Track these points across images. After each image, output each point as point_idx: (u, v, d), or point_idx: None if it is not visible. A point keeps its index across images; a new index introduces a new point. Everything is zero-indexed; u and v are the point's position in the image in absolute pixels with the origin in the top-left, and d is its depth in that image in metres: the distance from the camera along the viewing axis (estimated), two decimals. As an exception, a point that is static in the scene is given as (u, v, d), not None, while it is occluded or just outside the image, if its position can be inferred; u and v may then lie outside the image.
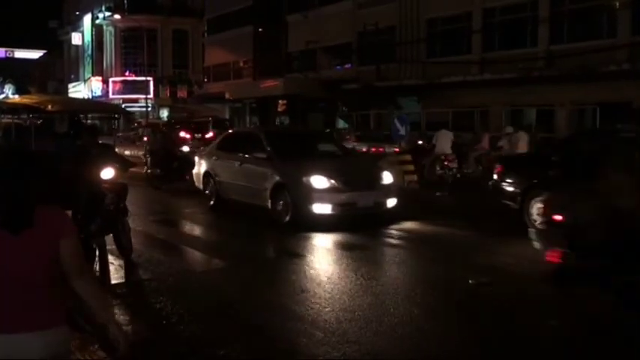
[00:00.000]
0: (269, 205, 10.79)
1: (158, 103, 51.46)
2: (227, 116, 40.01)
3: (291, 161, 10.96)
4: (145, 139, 26.85)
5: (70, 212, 6.55)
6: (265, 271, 7.81)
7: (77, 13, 58.83)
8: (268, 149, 11.22)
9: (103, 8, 52.93)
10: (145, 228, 10.35)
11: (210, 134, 27.61)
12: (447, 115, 23.96)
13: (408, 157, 16.11)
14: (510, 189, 10.41)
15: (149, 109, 47.91)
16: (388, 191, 11.00)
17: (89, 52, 56.81)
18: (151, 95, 49.45)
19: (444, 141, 16.87)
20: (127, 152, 24.51)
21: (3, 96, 58.93)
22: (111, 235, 7.86)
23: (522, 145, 16.05)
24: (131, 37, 52.16)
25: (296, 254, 8.58)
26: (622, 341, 5.19)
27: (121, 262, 7.85)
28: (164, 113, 50.72)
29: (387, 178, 11.19)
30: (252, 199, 11.44)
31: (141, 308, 6.20)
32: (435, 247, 9.26)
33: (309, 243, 9.36)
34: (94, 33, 55.58)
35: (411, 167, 15.79)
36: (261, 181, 11.00)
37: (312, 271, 7.63)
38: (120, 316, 5.75)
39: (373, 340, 5.19)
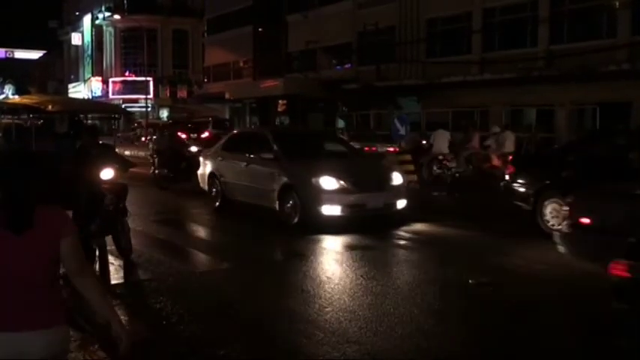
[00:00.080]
0: (277, 206, 10.61)
1: (158, 104, 51.51)
2: (227, 116, 40.05)
3: (299, 162, 10.81)
4: (143, 139, 26.87)
5: (70, 212, 6.55)
6: (267, 272, 7.79)
7: (77, 13, 58.90)
8: (275, 149, 11.04)
9: (103, 8, 52.99)
10: (147, 228, 10.34)
11: (205, 134, 27.58)
12: (447, 115, 23.96)
13: (408, 157, 16.12)
14: (522, 190, 10.17)
15: (149, 109, 47.94)
16: (398, 192, 10.79)
17: (89, 52, 56.87)
18: (151, 95, 49.50)
19: (441, 141, 16.88)
20: (127, 152, 24.52)
21: (3, 96, 58.98)
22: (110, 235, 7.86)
23: (509, 145, 16.37)
24: (131, 37, 52.21)
25: (300, 255, 8.48)
26: (622, 341, 5.19)
27: (121, 262, 7.85)
28: (164, 113, 50.81)
29: (397, 178, 10.98)
30: (259, 200, 11.28)
31: (141, 308, 6.19)
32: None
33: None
34: (93, 33, 55.63)
35: (411, 167, 15.80)
36: (269, 182, 10.81)
37: (314, 272, 7.61)
38: (120, 316, 5.73)
39: (373, 340, 5.19)
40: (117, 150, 9.69)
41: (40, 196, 2.68)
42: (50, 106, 10.33)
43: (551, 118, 22.23)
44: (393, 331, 5.42)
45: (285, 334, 5.43)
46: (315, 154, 11.51)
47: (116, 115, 13.60)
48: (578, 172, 9.08)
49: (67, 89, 61.13)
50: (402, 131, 17.43)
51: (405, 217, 10.77)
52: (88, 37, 56.86)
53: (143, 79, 47.42)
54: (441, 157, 16.58)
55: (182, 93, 50.99)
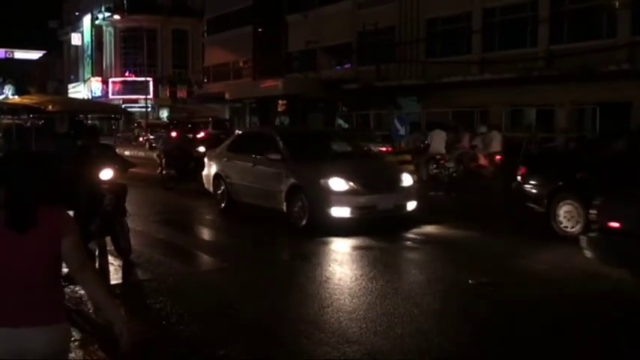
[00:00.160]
0: (284, 208, 10.39)
1: (158, 104, 51.54)
2: (227, 116, 40.04)
3: (307, 162, 10.60)
4: (141, 139, 26.78)
5: (71, 212, 6.55)
6: (268, 272, 7.78)
7: (77, 13, 58.91)
8: (283, 150, 10.83)
9: (103, 8, 53.00)
10: (148, 228, 10.33)
11: (201, 134, 27.54)
12: (447, 115, 23.96)
13: (408, 157, 16.10)
14: (535, 191, 9.92)
15: (149, 109, 47.96)
16: (408, 193, 10.58)
17: (89, 52, 56.87)
18: (151, 95, 49.52)
19: (438, 140, 16.88)
20: (126, 152, 24.52)
21: (3, 97, 58.99)
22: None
23: (495, 145, 16.66)
24: (131, 37, 52.24)
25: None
26: (622, 341, 5.19)
27: (121, 262, 7.84)
28: (164, 113, 50.84)
29: (407, 179, 10.79)
30: (266, 202, 11.04)
31: (140, 308, 6.19)
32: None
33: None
34: (93, 33, 55.64)
35: (411, 167, 15.78)
36: (276, 183, 10.59)
37: (315, 272, 7.59)
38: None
39: (373, 340, 5.19)
40: (117, 150, 9.68)
41: (42, 197, 2.69)
42: (50, 107, 10.32)
43: (551, 118, 22.25)
44: (393, 331, 5.42)
45: (285, 334, 5.43)
46: (324, 154, 11.25)
47: (116, 116, 13.57)
48: (593, 173, 8.86)
49: (66, 89, 61.14)
50: (402, 131, 17.42)
51: (415, 218, 10.60)
52: (87, 38, 56.86)
53: (143, 79, 47.45)
54: (438, 157, 16.58)
55: (182, 93, 51.00)
